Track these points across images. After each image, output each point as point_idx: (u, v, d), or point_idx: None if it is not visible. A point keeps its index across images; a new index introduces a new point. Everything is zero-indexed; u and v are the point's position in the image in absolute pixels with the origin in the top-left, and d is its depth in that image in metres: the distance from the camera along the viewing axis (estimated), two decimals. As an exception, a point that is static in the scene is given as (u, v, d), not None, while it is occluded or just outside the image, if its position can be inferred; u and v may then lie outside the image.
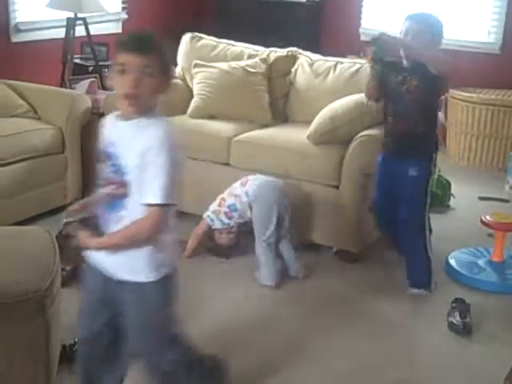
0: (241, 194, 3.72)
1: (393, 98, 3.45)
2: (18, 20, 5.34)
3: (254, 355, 2.98)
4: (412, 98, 3.37)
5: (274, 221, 3.60)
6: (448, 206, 4.87)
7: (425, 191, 3.49)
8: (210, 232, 3.83)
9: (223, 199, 3.77)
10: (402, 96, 3.39)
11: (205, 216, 3.82)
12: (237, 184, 3.78)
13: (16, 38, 5.33)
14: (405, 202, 3.50)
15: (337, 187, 3.82)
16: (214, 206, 3.79)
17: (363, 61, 4.70)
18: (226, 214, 3.76)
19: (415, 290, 3.58)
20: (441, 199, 4.84)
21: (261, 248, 3.62)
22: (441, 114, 4.65)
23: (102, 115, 4.45)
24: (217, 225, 3.79)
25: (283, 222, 3.67)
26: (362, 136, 3.77)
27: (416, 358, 3.03)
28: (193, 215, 4.08)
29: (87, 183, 4.35)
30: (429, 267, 3.59)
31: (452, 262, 3.85)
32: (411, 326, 3.30)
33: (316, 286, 3.64)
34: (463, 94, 5.87)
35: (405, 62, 3.34)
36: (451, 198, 4.92)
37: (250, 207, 3.69)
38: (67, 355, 2.78)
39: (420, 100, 3.37)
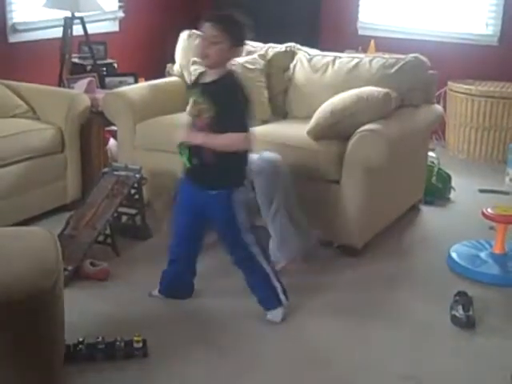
0: None
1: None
2: (15, 20, 5.33)
3: (255, 348, 3.00)
4: (203, 124, 2.99)
5: (277, 191, 3.59)
6: (448, 199, 4.87)
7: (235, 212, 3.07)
8: None
9: None
10: (194, 121, 3.05)
11: None
12: None
13: (13, 39, 5.31)
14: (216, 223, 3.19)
15: (337, 182, 3.81)
16: None
17: (361, 55, 4.71)
18: None
19: (269, 315, 3.19)
20: (441, 192, 4.85)
21: (270, 220, 3.61)
22: (439, 107, 4.63)
23: (101, 114, 4.47)
24: None
25: (289, 195, 3.68)
26: (362, 131, 3.76)
27: (419, 352, 3.02)
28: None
29: (87, 182, 4.36)
30: (268, 282, 3.18)
31: (454, 255, 3.84)
32: (413, 319, 3.29)
33: (316, 280, 3.63)
34: (462, 86, 5.87)
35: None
36: (452, 191, 4.92)
37: (252, 184, 3.64)
38: (71, 355, 2.79)
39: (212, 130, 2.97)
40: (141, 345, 2.87)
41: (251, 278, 3.21)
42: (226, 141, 2.96)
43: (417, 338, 3.13)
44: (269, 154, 3.73)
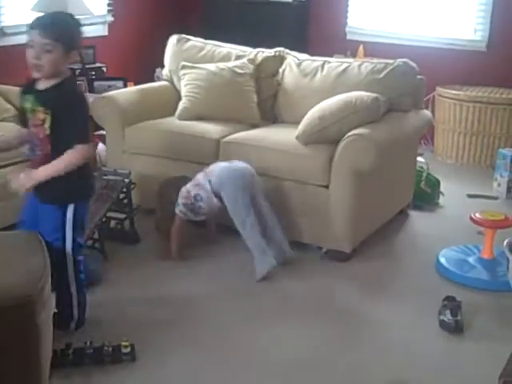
0: (203, 183, 3.74)
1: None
2: (3, 24, 5.31)
3: (245, 354, 2.99)
4: (43, 136, 2.80)
5: (248, 204, 3.63)
6: (437, 204, 4.88)
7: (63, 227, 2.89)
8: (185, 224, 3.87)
9: (187, 191, 3.77)
10: (33, 133, 2.84)
11: (178, 212, 3.81)
12: (200, 175, 3.80)
13: (2, 42, 5.29)
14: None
15: (326, 187, 3.82)
16: (182, 200, 3.78)
17: (350, 60, 4.72)
18: (192, 205, 3.75)
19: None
20: (430, 197, 4.86)
21: (246, 233, 3.65)
22: (427, 112, 4.64)
23: (89, 118, 4.44)
24: (190, 217, 3.80)
25: (260, 205, 3.72)
26: (350, 135, 3.77)
27: (408, 357, 3.02)
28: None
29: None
30: (68, 309, 3.02)
31: (442, 260, 3.85)
32: (402, 324, 3.29)
33: (305, 285, 3.63)
34: (450, 91, 5.89)
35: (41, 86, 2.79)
36: (440, 195, 4.93)
37: (217, 196, 3.71)
38: (58, 360, 2.77)
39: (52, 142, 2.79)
40: (129, 349, 2.86)
41: (59, 295, 2.99)
42: (69, 161, 2.77)
43: (405, 343, 3.13)
44: (238, 165, 3.78)
